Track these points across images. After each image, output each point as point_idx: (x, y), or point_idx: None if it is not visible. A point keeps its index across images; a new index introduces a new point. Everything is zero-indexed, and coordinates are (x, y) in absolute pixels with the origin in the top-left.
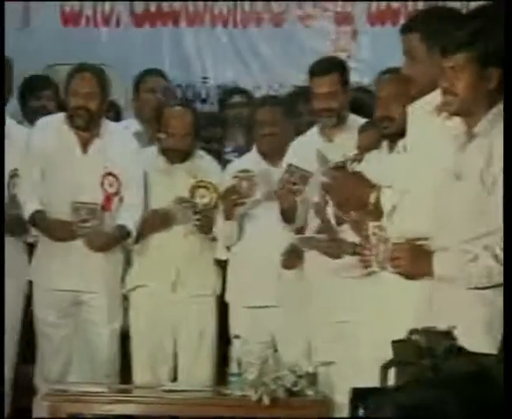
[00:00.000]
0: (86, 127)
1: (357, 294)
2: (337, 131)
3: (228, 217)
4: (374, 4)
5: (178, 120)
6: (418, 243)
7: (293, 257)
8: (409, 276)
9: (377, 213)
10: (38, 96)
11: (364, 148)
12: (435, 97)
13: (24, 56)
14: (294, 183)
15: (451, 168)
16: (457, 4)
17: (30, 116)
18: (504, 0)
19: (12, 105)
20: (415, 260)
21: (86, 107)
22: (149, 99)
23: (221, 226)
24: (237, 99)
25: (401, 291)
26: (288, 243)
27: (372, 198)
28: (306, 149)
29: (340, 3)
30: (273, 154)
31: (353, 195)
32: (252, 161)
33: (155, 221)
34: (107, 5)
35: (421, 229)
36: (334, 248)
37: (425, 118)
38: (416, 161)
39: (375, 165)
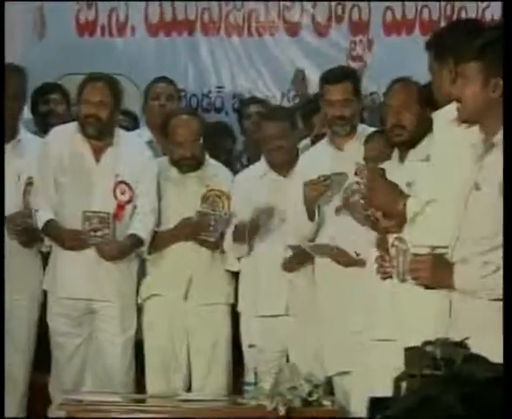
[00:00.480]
0: (97, 135)
1: (372, 302)
2: (347, 139)
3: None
4: (389, 14)
5: (185, 128)
6: (438, 253)
7: (294, 262)
8: (429, 287)
9: (403, 221)
10: (46, 100)
11: (371, 159)
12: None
13: (39, 66)
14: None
15: (471, 177)
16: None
17: (39, 122)
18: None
19: (26, 115)
20: (435, 271)
21: (97, 116)
22: (155, 106)
23: (229, 245)
24: (253, 108)
25: (419, 301)
26: (294, 248)
27: (400, 207)
28: (316, 159)
29: (356, 12)
30: (281, 165)
31: (386, 199)
32: (260, 170)
33: (187, 229)
34: (122, 15)
35: (442, 239)
36: (346, 256)
37: (448, 126)
38: (439, 170)
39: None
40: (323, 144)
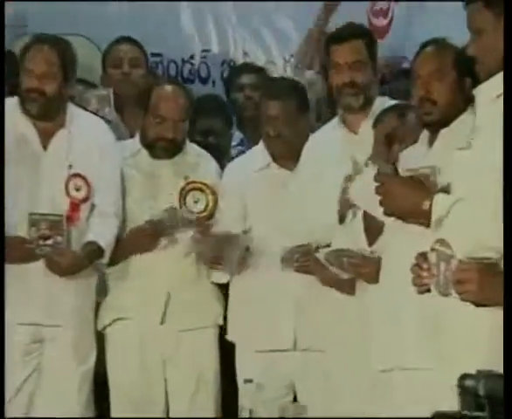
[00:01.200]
0: (42, 114)
1: (403, 331)
2: (362, 118)
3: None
4: None
5: (171, 103)
6: (487, 262)
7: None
8: (478, 303)
9: (427, 223)
10: None
11: (383, 143)
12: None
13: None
14: None
15: None
16: None
17: None
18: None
19: None
20: (486, 284)
21: (41, 90)
22: (116, 74)
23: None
24: (246, 79)
25: (464, 320)
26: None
27: (425, 206)
28: (324, 144)
29: None
30: (284, 156)
31: (406, 202)
32: (259, 161)
33: (145, 236)
34: None
35: (482, 244)
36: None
37: (494, 105)
38: (483, 159)
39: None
40: (333, 125)
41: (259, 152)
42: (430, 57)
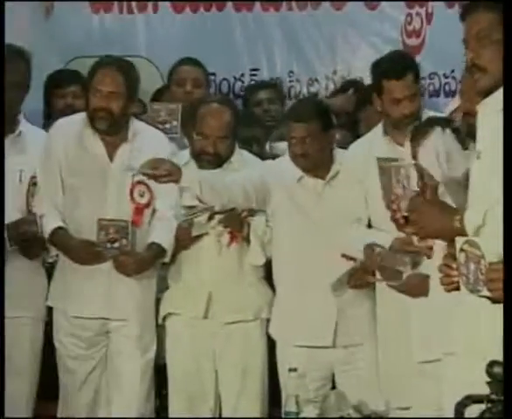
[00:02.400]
0: (109, 130)
1: (439, 324)
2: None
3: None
4: None
5: (214, 120)
6: None
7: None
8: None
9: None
10: (62, 94)
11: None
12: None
13: (44, 49)
14: None
15: None
16: None
17: (54, 117)
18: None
19: (30, 104)
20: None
21: (108, 109)
22: (179, 93)
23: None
24: (262, 95)
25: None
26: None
27: (457, 224)
28: (366, 154)
29: None
30: (313, 170)
31: (438, 223)
32: (295, 173)
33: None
34: None
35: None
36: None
37: (497, 119)
38: (491, 168)
39: None
40: (377, 134)
41: (288, 161)
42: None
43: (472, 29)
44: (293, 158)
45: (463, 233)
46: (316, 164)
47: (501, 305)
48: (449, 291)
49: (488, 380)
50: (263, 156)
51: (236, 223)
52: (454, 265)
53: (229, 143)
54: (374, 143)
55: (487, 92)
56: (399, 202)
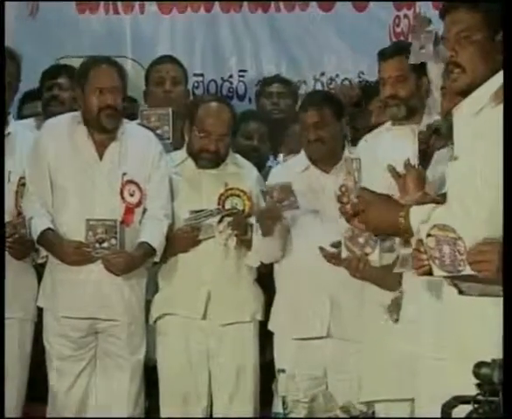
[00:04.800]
0: (114, 128)
1: (426, 320)
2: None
3: (264, 233)
4: None
5: (215, 119)
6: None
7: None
8: (493, 282)
9: (409, 234)
10: (49, 85)
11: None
12: (481, 97)
13: (30, 48)
14: None
15: None
16: None
17: (43, 109)
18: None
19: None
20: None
21: (114, 106)
22: (158, 92)
23: (258, 242)
24: (275, 88)
25: (478, 313)
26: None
27: (402, 220)
28: (375, 147)
29: None
30: (322, 159)
31: (382, 218)
32: (299, 165)
33: (183, 240)
34: None
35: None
36: None
37: (473, 122)
38: (468, 171)
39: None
40: (383, 131)
41: (300, 157)
42: (457, 17)
43: (452, 28)
44: (306, 146)
45: (407, 229)
46: (327, 152)
47: (489, 308)
48: (421, 274)
49: (476, 381)
50: (262, 158)
51: (243, 226)
52: (423, 249)
53: (228, 142)
54: (381, 136)
55: (465, 92)
56: (349, 194)
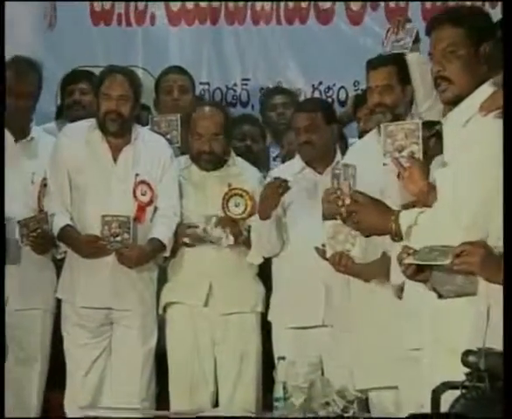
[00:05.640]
0: (118, 132)
1: (409, 314)
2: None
3: (262, 217)
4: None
5: (206, 121)
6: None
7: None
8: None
9: (399, 237)
10: (71, 90)
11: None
12: (469, 107)
13: (49, 58)
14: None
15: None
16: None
17: (64, 112)
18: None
19: (41, 111)
20: (486, 262)
21: (118, 111)
22: (167, 101)
23: (256, 229)
24: (279, 99)
25: (456, 311)
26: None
27: (392, 224)
28: (363, 151)
29: None
30: (314, 161)
31: (373, 222)
32: (295, 167)
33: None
34: (141, 2)
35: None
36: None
37: (462, 132)
38: (455, 178)
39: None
40: (372, 135)
41: (297, 159)
42: (442, 34)
43: (437, 44)
44: (298, 148)
45: (397, 232)
46: (319, 155)
47: (464, 305)
48: (409, 277)
49: (464, 368)
50: (262, 160)
51: (236, 231)
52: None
53: (222, 142)
54: (370, 141)
55: (453, 102)
56: (344, 198)
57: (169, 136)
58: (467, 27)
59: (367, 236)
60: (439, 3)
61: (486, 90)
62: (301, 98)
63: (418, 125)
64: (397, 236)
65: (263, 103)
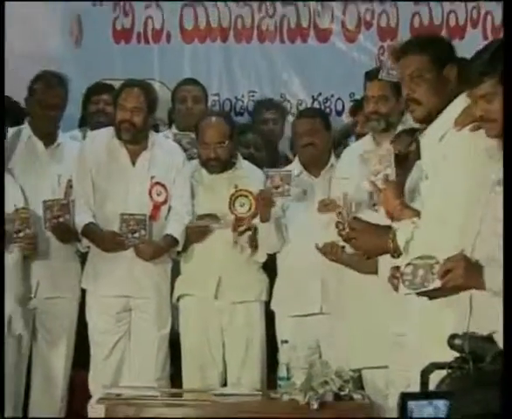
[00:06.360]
0: (131, 140)
1: (397, 302)
2: (387, 135)
3: (263, 220)
4: (417, 19)
5: (212, 130)
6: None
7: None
8: (461, 289)
9: (398, 253)
10: (96, 100)
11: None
12: (443, 124)
13: (75, 72)
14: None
15: (488, 177)
16: None
17: (89, 120)
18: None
19: (67, 119)
20: (468, 272)
21: (131, 121)
22: (182, 109)
23: (260, 231)
24: (269, 115)
25: (441, 300)
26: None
27: (390, 243)
28: (355, 155)
29: (384, 18)
30: (312, 163)
31: (373, 243)
32: (294, 171)
33: (193, 234)
34: (158, 22)
35: (442, 250)
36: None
37: (437, 148)
38: (433, 189)
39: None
40: (366, 140)
41: (294, 164)
42: (409, 61)
43: (405, 70)
44: (299, 151)
45: (396, 248)
46: (318, 156)
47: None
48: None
49: (450, 350)
50: (258, 160)
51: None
52: (398, 274)
53: (227, 148)
54: (361, 145)
55: (423, 121)
56: (344, 222)
57: (189, 152)
58: (430, 53)
59: (368, 258)
60: (426, 23)
61: (458, 105)
62: (302, 107)
63: (390, 150)
64: (396, 252)
65: (255, 115)
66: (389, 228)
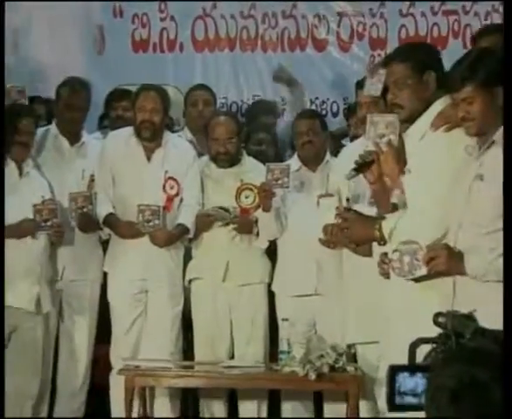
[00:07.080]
0: (152, 138)
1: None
2: None
3: (265, 209)
4: (404, 31)
5: (221, 127)
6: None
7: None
8: (444, 275)
9: (384, 241)
10: (115, 106)
11: None
12: (423, 125)
13: (97, 78)
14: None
15: (470, 172)
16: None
17: (109, 124)
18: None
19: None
20: (450, 260)
21: (151, 121)
22: (193, 112)
23: (262, 226)
24: (264, 119)
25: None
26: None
27: (377, 232)
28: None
29: (374, 29)
30: (311, 159)
31: (361, 232)
32: (293, 166)
33: (200, 222)
34: (172, 33)
35: (423, 239)
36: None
37: (418, 147)
38: (416, 184)
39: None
40: (361, 141)
41: (294, 160)
42: (393, 69)
43: (390, 77)
44: (299, 148)
45: (382, 237)
46: (316, 153)
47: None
48: (385, 277)
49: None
50: (268, 155)
51: (248, 227)
52: (387, 261)
53: (236, 144)
54: (357, 145)
55: (405, 122)
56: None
57: (204, 157)
58: (412, 62)
59: (358, 246)
60: (412, 34)
61: (436, 109)
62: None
63: (397, 118)
64: (382, 240)
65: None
66: (376, 219)
